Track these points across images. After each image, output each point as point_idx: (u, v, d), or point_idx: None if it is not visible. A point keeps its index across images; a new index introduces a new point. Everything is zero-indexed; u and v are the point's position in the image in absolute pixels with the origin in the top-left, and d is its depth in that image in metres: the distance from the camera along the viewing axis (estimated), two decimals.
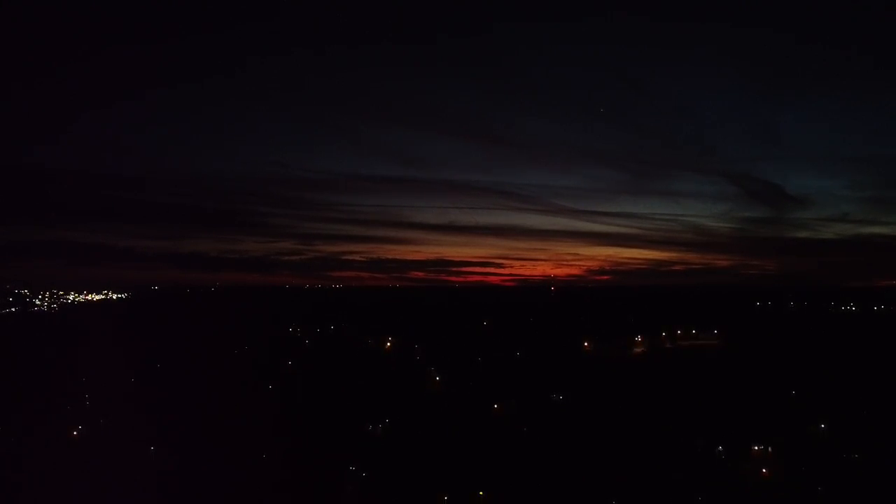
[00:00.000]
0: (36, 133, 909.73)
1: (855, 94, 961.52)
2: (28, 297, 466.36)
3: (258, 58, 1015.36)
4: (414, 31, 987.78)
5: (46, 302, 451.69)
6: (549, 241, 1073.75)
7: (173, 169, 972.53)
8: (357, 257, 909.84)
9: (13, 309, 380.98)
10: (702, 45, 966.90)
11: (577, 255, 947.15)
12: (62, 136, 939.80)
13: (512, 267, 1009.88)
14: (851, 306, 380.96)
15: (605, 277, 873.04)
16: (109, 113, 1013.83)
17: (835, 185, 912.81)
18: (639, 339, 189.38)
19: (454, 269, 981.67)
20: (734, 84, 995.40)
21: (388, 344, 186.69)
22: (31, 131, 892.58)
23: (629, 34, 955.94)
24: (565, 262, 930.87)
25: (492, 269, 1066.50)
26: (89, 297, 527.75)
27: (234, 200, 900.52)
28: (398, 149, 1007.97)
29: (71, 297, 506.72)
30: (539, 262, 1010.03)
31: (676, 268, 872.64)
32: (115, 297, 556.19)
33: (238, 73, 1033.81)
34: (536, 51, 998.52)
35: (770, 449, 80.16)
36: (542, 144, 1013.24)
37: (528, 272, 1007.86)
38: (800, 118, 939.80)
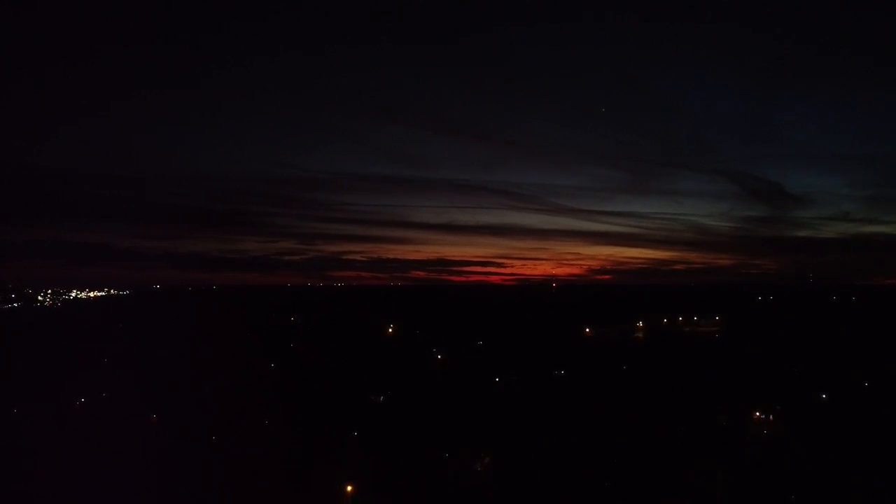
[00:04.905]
0: (36, 133, 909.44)
1: (855, 92, 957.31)
2: (30, 294, 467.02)
3: (258, 58, 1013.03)
4: (414, 32, 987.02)
5: (49, 299, 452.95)
6: (549, 241, 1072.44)
7: (173, 169, 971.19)
8: (358, 257, 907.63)
9: (16, 304, 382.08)
10: (702, 44, 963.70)
11: (579, 254, 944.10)
12: (62, 136, 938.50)
13: (513, 266, 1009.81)
14: (853, 299, 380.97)
15: (607, 277, 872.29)
16: (109, 113, 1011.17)
17: (835, 183, 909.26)
18: (640, 324, 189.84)
19: (455, 268, 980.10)
20: (734, 83, 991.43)
21: (391, 329, 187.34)
22: (32, 131, 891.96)
23: (629, 34, 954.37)
24: (566, 262, 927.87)
25: (493, 269, 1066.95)
26: (91, 295, 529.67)
27: (235, 200, 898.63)
28: (398, 148, 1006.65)
29: (73, 295, 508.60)
30: (540, 262, 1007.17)
31: (677, 267, 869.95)
32: (116, 294, 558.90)
33: (238, 73, 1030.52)
34: (536, 51, 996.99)
35: (771, 417, 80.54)
36: (542, 144, 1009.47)
37: (529, 271, 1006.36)
38: (800, 117, 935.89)
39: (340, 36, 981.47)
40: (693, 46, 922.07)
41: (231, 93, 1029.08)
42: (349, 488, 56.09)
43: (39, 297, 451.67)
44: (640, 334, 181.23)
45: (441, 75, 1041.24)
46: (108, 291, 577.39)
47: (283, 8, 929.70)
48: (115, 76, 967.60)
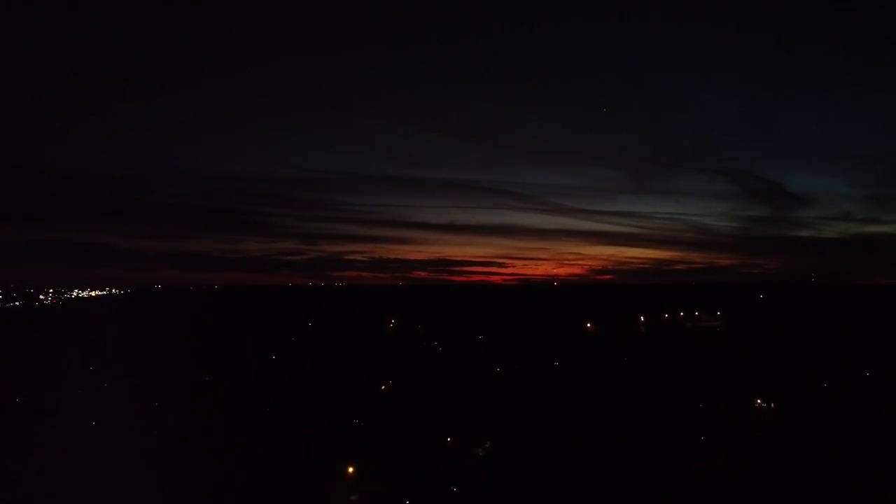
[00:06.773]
0: (37, 134, 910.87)
1: (856, 91, 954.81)
2: (31, 293, 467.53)
3: (259, 58, 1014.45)
4: (414, 32, 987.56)
5: (51, 298, 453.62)
6: (550, 241, 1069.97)
7: (174, 169, 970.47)
8: (359, 257, 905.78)
9: (18, 303, 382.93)
10: (703, 45, 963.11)
11: (580, 254, 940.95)
12: (63, 136, 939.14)
13: (514, 266, 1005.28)
14: (856, 298, 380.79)
15: (608, 276, 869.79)
16: (110, 113, 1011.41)
17: (836, 183, 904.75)
18: (642, 319, 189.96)
19: (456, 268, 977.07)
20: (734, 83, 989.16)
21: (392, 324, 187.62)
22: (33, 132, 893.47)
23: (629, 34, 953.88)
24: (567, 262, 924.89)
25: (494, 269, 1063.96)
26: (92, 294, 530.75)
27: (236, 200, 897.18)
28: (399, 148, 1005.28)
29: (74, 294, 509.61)
30: (541, 262, 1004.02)
31: (679, 266, 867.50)
32: (118, 293, 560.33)
33: (239, 74, 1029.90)
34: (537, 51, 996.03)
35: (772, 405, 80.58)
36: (542, 144, 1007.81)
37: (530, 271, 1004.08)
38: (800, 116, 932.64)
39: (341, 36, 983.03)
40: (694, 47, 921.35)
41: (232, 93, 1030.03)
42: (350, 470, 56.31)
43: (41, 297, 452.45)
44: (642, 329, 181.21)
45: (441, 75, 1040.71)
46: (110, 291, 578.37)
47: (284, 8, 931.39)
48: (116, 76, 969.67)
